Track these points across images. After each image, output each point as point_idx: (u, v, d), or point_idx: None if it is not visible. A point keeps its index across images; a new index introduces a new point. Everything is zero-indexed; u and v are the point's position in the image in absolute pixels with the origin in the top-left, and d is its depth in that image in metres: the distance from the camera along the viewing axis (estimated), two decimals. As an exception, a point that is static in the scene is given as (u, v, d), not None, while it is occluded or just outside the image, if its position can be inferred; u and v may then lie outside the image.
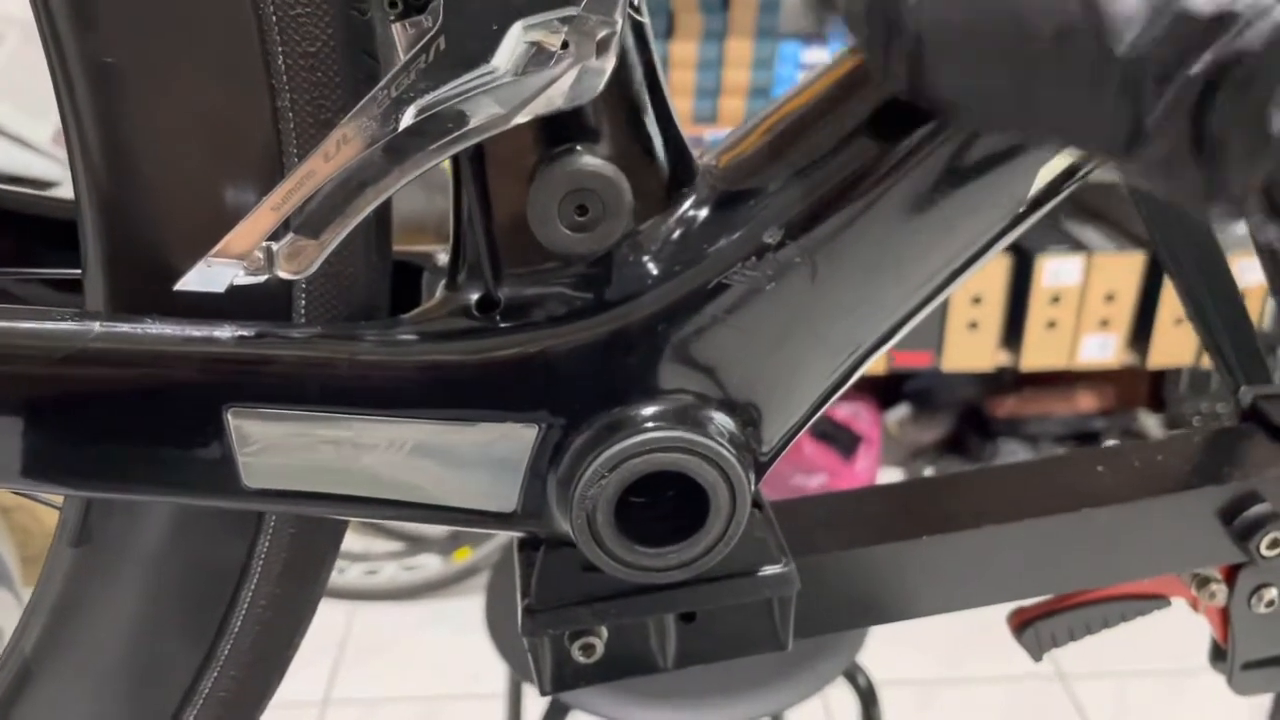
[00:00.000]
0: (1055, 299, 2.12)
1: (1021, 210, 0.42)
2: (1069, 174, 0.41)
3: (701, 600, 0.44)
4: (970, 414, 2.46)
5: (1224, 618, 0.53)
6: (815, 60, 2.17)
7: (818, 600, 0.48)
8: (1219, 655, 0.56)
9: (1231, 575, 0.52)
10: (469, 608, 2.06)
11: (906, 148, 0.39)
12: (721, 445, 0.40)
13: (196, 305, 0.37)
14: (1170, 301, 2.11)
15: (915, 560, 0.48)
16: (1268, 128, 0.25)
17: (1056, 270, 2.10)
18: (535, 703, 1.38)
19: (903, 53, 0.32)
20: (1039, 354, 2.17)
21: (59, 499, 0.44)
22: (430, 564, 2.12)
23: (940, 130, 0.39)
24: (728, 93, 2.15)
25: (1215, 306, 0.51)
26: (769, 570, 0.44)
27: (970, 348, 2.16)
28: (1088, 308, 2.14)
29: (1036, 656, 0.54)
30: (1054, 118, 0.30)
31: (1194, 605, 0.54)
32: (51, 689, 0.46)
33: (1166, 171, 0.28)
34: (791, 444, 0.44)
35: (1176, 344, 2.16)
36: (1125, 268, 2.11)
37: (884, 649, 1.35)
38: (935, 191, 0.40)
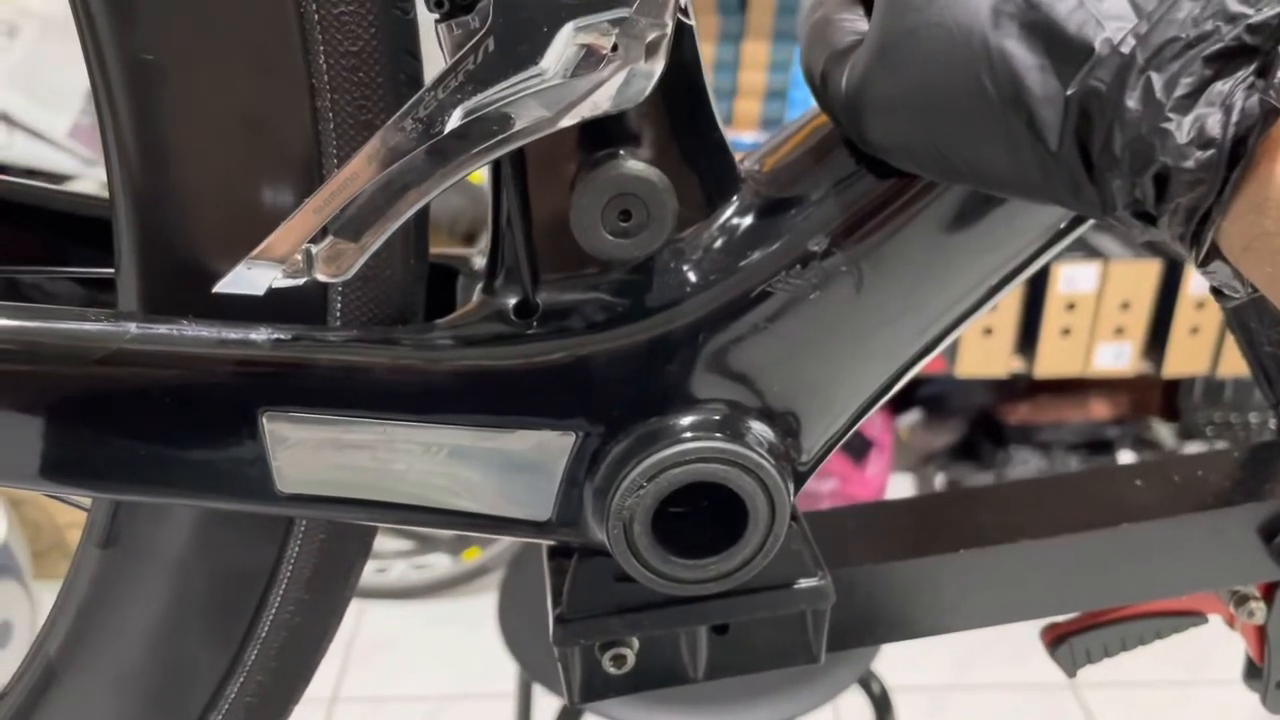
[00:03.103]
0: (1070, 306, 2.11)
1: (1066, 224, 0.42)
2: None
3: (736, 612, 0.43)
4: (982, 420, 2.44)
5: (1261, 636, 0.53)
6: (832, 63, 2.16)
7: (850, 614, 0.47)
8: (1254, 673, 0.55)
9: (1270, 593, 0.51)
10: (478, 607, 2.05)
11: None
12: (761, 456, 0.39)
13: (230, 306, 0.37)
14: (1186, 310, 2.10)
15: (951, 575, 0.47)
16: (1114, 148, 0.29)
17: (1072, 277, 2.08)
18: (545, 703, 1.37)
19: (844, 112, 0.36)
20: (1053, 361, 2.16)
21: (86, 500, 0.43)
22: (439, 563, 2.11)
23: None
24: (743, 95, 2.14)
25: (1259, 319, 0.50)
26: (805, 583, 0.43)
27: (984, 354, 2.15)
28: (1103, 315, 2.12)
29: (1071, 672, 0.54)
30: (975, 167, 0.33)
31: (1231, 623, 0.53)
32: (75, 691, 0.46)
33: (1075, 193, 0.31)
34: (831, 454, 0.43)
35: (1191, 353, 2.15)
36: (1141, 276, 2.10)
37: (894, 654, 1.35)
38: (983, 199, 0.39)
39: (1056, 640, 0.53)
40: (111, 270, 0.48)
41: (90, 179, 1.98)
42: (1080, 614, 0.54)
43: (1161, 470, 0.51)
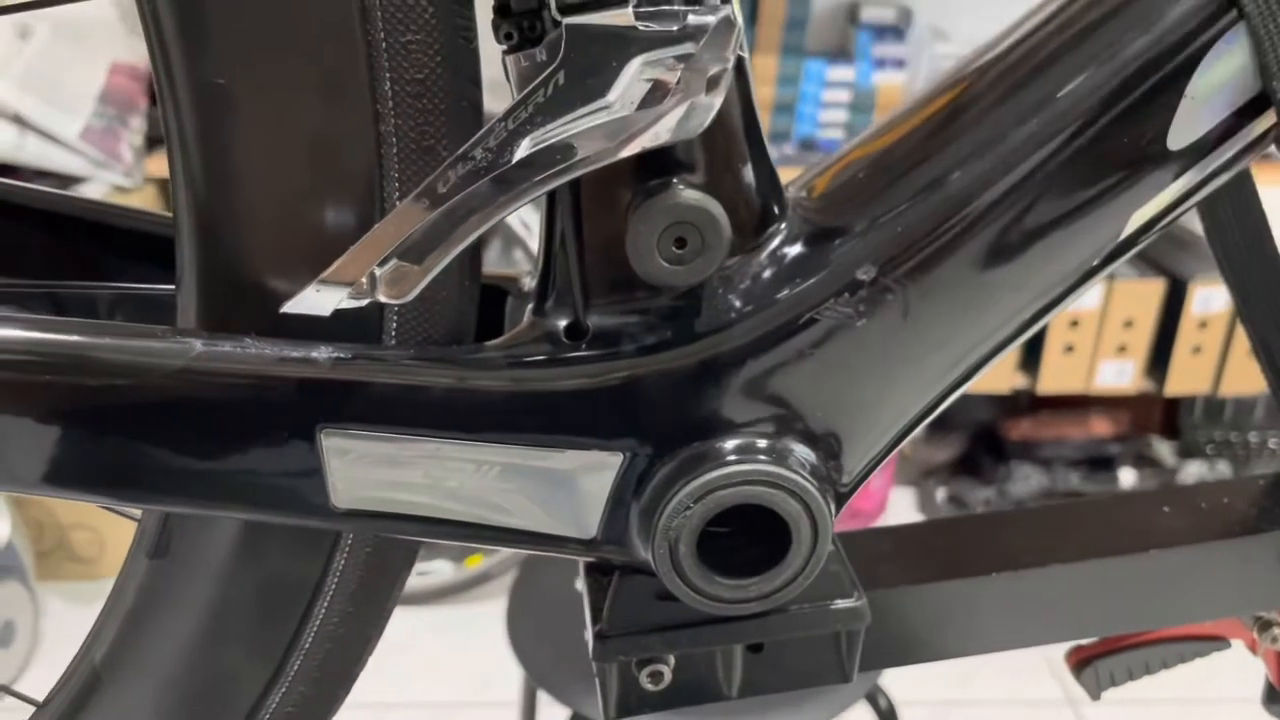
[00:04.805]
0: (1074, 323, 2.13)
1: (1110, 252, 0.42)
2: (1161, 216, 0.41)
3: (773, 631, 0.44)
4: (984, 435, 2.45)
5: (1282, 661, 0.53)
6: (841, 78, 2.17)
7: (882, 634, 0.48)
8: (1274, 698, 0.56)
9: (1293, 619, 0.52)
10: (480, 614, 2.05)
11: (1002, 187, 0.39)
12: (805, 479, 0.40)
13: (287, 325, 0.38)
14: (1188, 329, 2.12)
15: (983, 598, 0.48)
16: None
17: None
18: (548, 711, 1.38)
19: None
20: (1056, 378, 2.17)
21: (135, 509, 0.44)
22: (442, 570, 2.11)
23: (1034, 170, 0.39)
24: (753, 108, 2.15)
25: (1283, 345, 0.51)
26: (841, 604, 0.44)
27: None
28: (1106, 333, 2.14)
29: (1095, 695, 0.54)
30: None
31: (1253, 648, 0.54)
32: (119, 698, 0.46)
33: None
34: (871, 475, 0.44)
35: (1194, 372, 2.16)
36: (1145, 294, 2.12)
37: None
38: (1030, 230, 0.40)
39: (1082, 663, 0.54)
40: (156, 286, 0.49)
41: (100, 181, 1.99)
42: (1105, 637, 0.54)
43: (1189, 497, 0.52)
